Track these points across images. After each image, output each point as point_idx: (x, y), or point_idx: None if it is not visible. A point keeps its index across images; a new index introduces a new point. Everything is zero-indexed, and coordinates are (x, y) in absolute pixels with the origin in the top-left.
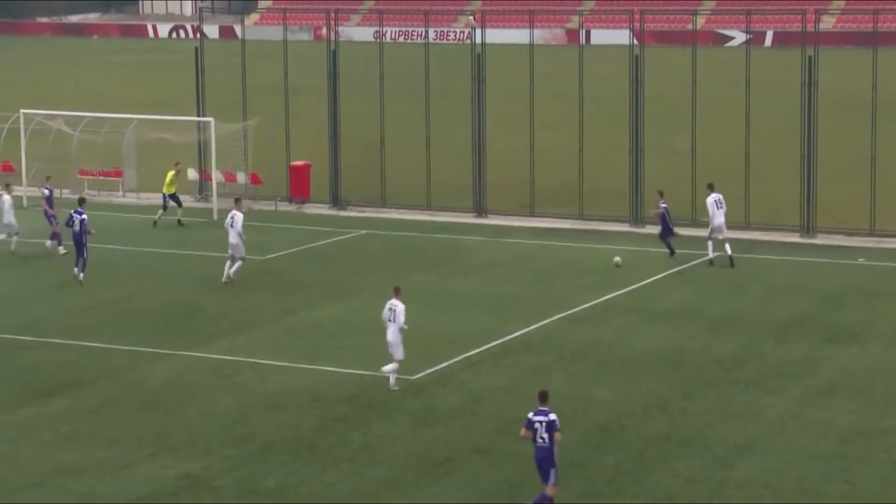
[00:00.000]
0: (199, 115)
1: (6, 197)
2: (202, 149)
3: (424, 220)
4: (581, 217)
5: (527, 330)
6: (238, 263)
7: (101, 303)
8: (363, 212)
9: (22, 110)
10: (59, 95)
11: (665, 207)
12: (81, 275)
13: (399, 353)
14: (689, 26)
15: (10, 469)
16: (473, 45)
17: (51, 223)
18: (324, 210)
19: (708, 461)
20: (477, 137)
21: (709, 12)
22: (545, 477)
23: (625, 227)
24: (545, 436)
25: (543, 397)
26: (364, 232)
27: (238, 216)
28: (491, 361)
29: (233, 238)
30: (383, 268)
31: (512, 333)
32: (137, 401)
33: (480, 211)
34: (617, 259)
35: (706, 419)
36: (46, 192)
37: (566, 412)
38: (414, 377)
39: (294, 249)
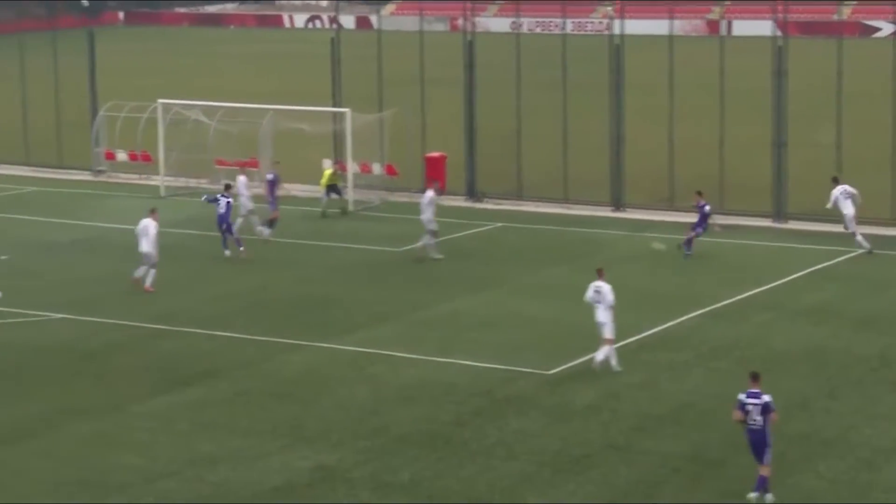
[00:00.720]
0: (334, 106)
1: (150, 222)
2: (338, 140)
3: (561, 214)
4: (722, 211)
5: (665, 326)
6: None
7: (237, 292)
8: (499, 204)
9: (160, 100)
10: (196, 85)
11: (704, 206)
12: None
13: (608, 331)
14: (835, 17)
15: (147, 458)
16: (612, 36)
17: (271, 208)
18: (460, 202)
19: (852, 463)
20: (615, 129)
21: (855, 3)
22: (759, 457)
23: (766, 223)
24: (758, 418)
25: (755, 378)
26: (500, 224)
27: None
28: (628, 357)
29: (144, 246)
30: (519, 261)
31: (650, 329)
32: (272, 391)
33: (618, 205)
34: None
35: (850, 420)
36: (270, 176)
37: (705, 410)
38: (549, 372)
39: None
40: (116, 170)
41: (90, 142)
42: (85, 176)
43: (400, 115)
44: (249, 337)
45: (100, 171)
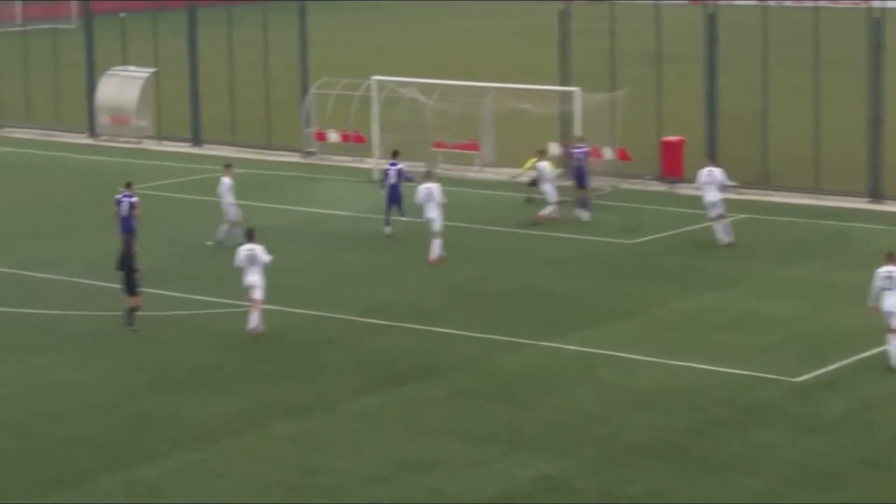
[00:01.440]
0: (562, 85)
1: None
2: (565, 121)
3: (811, 205)
4: None
5: None
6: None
7: (453, 285)
8: (742, 193)
9: (374, 77)
10: (413, 61)
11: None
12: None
13: None
14: None
15: (357, 461)
16: (870, 9)
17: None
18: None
19: None
20: (872, 112)
21: None
22: None
23: None
24: None
25: None
26: (743, 216)
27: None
28: (887, 365)
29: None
30: (764, 255)
31: None
32: (491, 393)
33: (876, 195)
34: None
35: None
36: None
37: None
38: (797, 379)
39: (665, 233)
40: (327, 151)
41: (300, 121)
42: (294, 157)
43: (634, 95)
44: (466, 333)
45: (310, 153)
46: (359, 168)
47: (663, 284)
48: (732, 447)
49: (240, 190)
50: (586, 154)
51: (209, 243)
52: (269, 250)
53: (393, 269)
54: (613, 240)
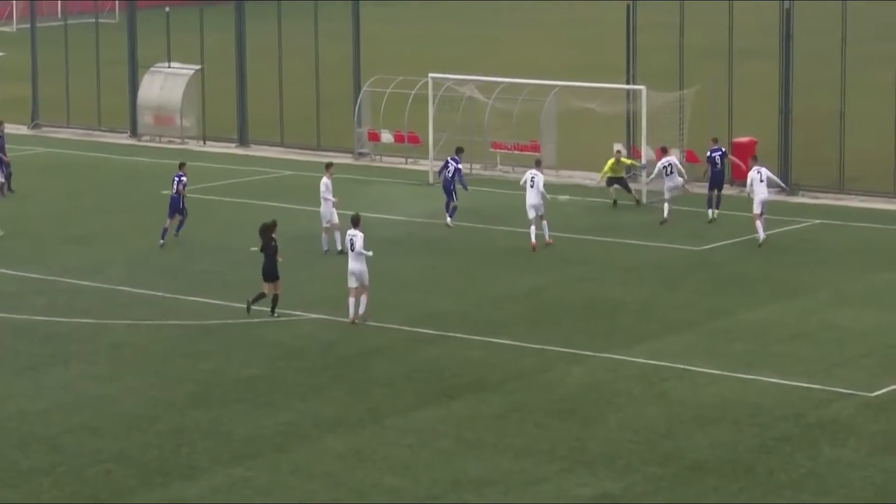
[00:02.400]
0: (628, 83)
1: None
2: (631, 121)
3: (890, 210)
4: None
5: None
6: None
7: (513, 294)
8: (817, 198)
9: (430, 75)
10: (471, 57)
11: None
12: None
13: None
14: None
15: (407, 478)
16: None
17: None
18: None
19: None
20: None
21: None
22: None
23: None
24: None
25: None
26: (818, 221)
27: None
28: None
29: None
30: (840, 264)
31: None
32: (550, 407)
33: None
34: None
35: None
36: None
37: None
38: (873, 394)
39: (735, 240)
40: (380, 152)
41: (352, 121)
42: (346, 159)
43: (704, 93)
44: (525, 345)
45: (362, 154)
46: (413, 170)
47: (732, 293)
48: (802, 466)
49: (288, 193)
50: (723, 156)
51: (253, 249)
52: (318, 256)
53: (448, 277)
54: (682, 246)
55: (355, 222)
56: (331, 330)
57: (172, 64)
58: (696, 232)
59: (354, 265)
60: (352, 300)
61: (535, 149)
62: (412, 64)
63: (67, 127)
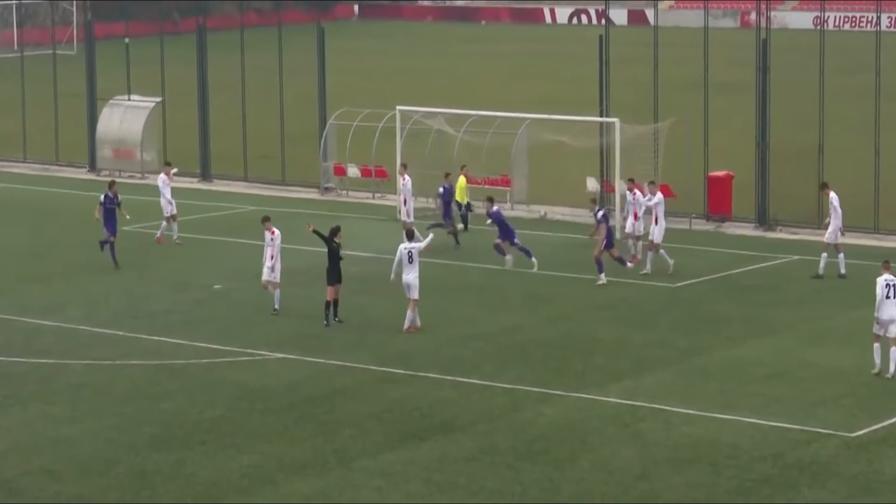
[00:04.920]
0: (602, 115)
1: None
2: (605, 155)
3: (870, 246)
4: None
5: None
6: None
7: (485, 333)
8: (795, 233)
9: (398, 107)
10: (439, 90)
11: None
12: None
13: None
14: None
15: None
16: None
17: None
18: (748, 230)
19: None
20: None
21: None
22: None
23: None
24: None
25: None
26: (796, 257)
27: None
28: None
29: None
30: (818, 301)
31: None
32: (522, 448)
33: None
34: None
35: None
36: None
37: None
38: (853, 434)
39: (710, 276)
40: (347, 187)
41: (317, 155)
42: (311, 194)
43: (679, 127)
44: (496, 384)
45: (328, 189)
46: (381, 205)
47: (707, 331)
48: None
49: (252, 229)
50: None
51: (217, 286)
52: (284, 296)
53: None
54: (656, 283)
55: (410, 235)
56: (296, 370)
57: (132, 96)
58: (671, 270)
59: (409, 276)
60: (409, 313)
61: (506, 183)
62: (379, 96)
63: (24, 162)
